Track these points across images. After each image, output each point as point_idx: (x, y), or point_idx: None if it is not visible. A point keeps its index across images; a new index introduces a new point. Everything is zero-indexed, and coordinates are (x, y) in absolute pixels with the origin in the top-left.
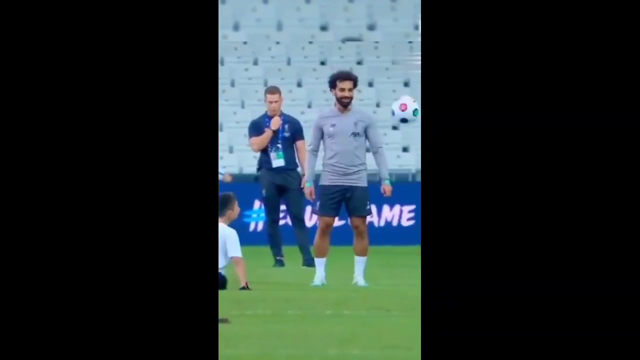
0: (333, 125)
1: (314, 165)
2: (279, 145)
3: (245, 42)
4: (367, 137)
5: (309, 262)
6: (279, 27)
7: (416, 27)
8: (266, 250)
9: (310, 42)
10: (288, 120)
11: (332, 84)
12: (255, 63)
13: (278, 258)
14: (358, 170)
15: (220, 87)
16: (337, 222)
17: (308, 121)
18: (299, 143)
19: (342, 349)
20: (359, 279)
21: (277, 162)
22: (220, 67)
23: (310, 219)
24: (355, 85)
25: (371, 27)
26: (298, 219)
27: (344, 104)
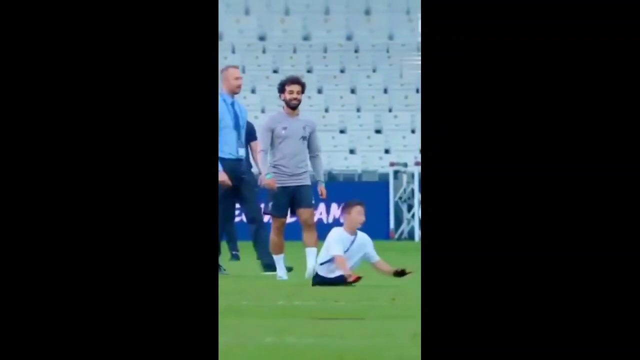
0: (285, 128)
1: (267, 162)
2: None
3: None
4: (309, 141)
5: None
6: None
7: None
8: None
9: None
10: None
11: (282, 88)
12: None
13: (234, 252)
14: (304, 172)
15: None
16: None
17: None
18: (253, 144)
19: (279, 337)
20: (312, 269)
21: None
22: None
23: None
24: (303, 89)
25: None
26: (255, 218)
27: (293, 106)
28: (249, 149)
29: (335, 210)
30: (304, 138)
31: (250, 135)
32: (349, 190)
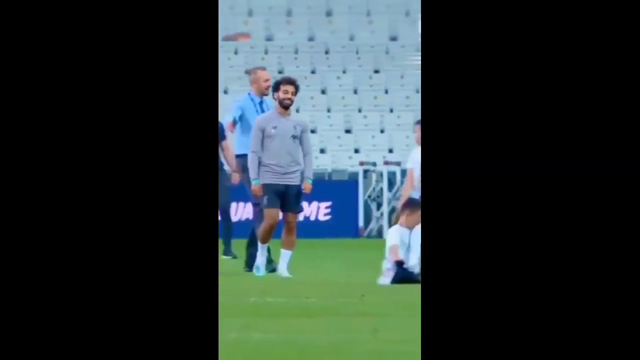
0: (274, 128)
1: (258, 165)
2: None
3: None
4: (301, 141)
5: (227, 253)
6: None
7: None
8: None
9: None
10: None
11: (276, 87)
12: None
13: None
14: (295, 171)
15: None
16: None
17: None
18: (223, 143)
19: (243, 333)
20: (282, 270)
21: None
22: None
23: (235, 214)
24: (297, 90)
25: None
26: (225, 212)
27: (285, 105)
28: (220, 148)
29: (306, 208)
30: (294, 137)
31: (220, 134)
32: (319, 188)
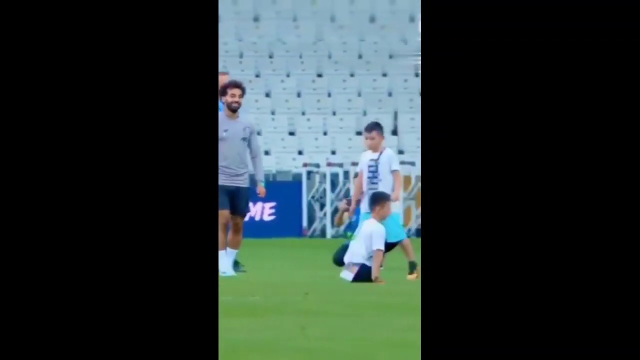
0: (225, 131)
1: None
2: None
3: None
4: (249, 143)
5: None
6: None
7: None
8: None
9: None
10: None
11: (223, 91)
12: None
13: None
14: (244, 172)
15: None
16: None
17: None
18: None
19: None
20: (228, 268)
21: None
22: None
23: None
24: (243, 93)
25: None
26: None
27: (233, 108)
28: None
29: (252, 208)
30: (244, 139)
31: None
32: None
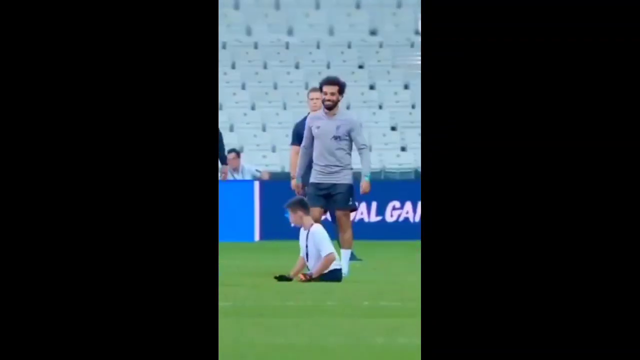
0: (318, 127)
1: (306, 162)
2: None
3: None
4: (351, 139)
5: (351, 258)
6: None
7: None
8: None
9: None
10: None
11: (320, 88)
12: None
13: None
14: (342, 169)
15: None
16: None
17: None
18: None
19: (390, 337)
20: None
21: None
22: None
23: (353, 217)
24: (340, 90)
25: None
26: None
27: (328, 106)
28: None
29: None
30: (337, 138)
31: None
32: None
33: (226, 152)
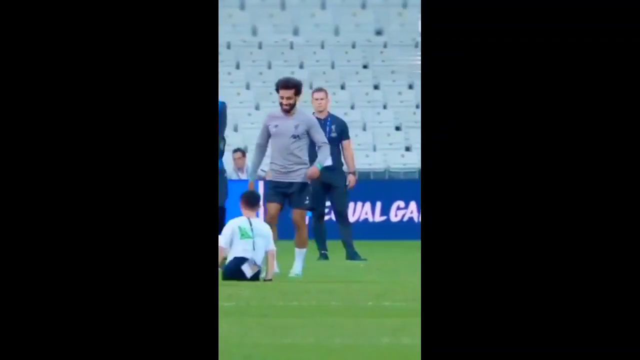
0: (276, 126)
1: (260, 160)
2: None
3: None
4: (310, 137)
5: (352, 256)
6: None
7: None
8: (312, 244)
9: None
10: (335, 120)
11: (277, 90)
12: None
13: (322, 252)
14: (299, 168)
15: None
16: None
17: (354, 121)
18: (345, 142)
19: (394, 337)
20: (298, 269)
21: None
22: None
23: (353, 215)
24: (297, 92)
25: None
26: (342, 216)
27: (285, 110)
28: (340, 148)
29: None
30: (295, 137)
31: (342, 134)
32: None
33: (232, 151)
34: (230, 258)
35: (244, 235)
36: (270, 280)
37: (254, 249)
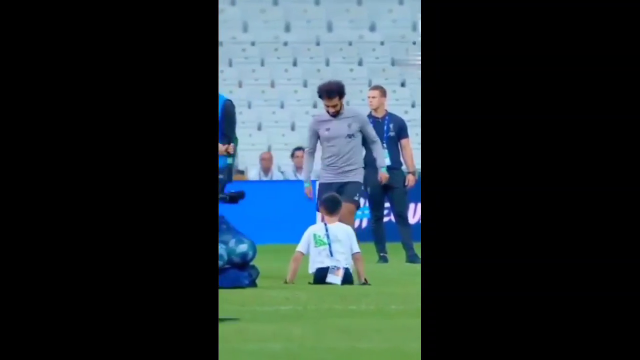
0: (328, 130)
1: (312, 165)
2: (384, 145)
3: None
4: (362, 134)
5: (413, 259)
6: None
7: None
8: (371, 246)
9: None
10: (393, 119)
11: (320, 97)
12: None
13: (382, 254)
14: (356, 169)
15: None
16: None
17: (412, 120)
18: (403, 141)
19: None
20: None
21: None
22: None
23: (414, 217)
24: (340, 97)
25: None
26: (402, 217)
27: (334, 114)
28: (399, 147)
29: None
30: (350, 136)
31: (401, 133)
32: None
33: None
34: (313, 268)
35: (319, 243)
36: (366, 283)
37: (331, 255)
